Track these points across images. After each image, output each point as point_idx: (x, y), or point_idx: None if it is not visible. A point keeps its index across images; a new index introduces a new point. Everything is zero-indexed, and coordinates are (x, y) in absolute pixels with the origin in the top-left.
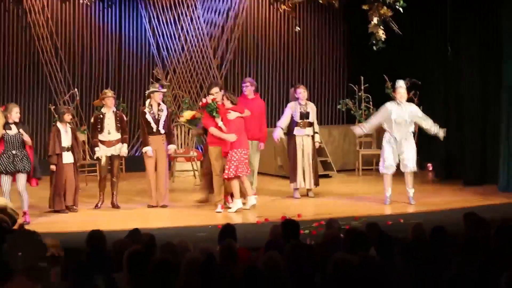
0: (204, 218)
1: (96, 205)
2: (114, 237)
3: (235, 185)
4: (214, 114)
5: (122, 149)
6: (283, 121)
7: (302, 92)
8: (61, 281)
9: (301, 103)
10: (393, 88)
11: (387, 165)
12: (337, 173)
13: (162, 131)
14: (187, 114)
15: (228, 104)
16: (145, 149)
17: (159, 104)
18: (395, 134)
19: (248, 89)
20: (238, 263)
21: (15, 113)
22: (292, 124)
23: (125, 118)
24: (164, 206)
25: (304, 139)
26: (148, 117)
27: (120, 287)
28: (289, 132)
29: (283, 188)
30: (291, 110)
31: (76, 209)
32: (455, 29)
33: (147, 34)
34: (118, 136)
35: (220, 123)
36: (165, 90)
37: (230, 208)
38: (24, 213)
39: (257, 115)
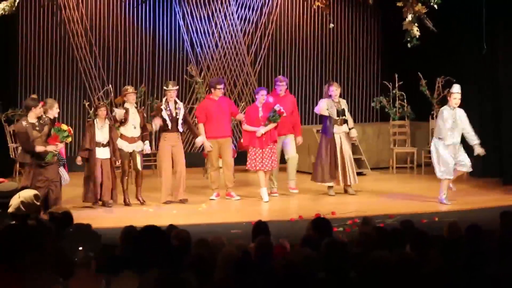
0: (237, 215)
1: (125, 201)
2: None
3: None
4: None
5: (145, 147)
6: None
7: (335, 90)
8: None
9: (334, 100)
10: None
11: (448, 170)
12: (371, 171)
13: (181, 129)
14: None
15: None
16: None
17: (176, 102)
18: (450, 139)
19: (284, 88)
20: (273, 260)
21: (55, 109)
22: (330, 122)
23: (144, 115)
24: (183, 201)
25: (342, 136)
26: (164, 114)
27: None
28: (325, 130)
29: (316, 185)
30: (327, 106)
31: (111, 205)
32: (491, 25)
33: (181, 31)
34: (139, 133)
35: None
36: (176, 87)
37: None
38: None
39: (289, 111)
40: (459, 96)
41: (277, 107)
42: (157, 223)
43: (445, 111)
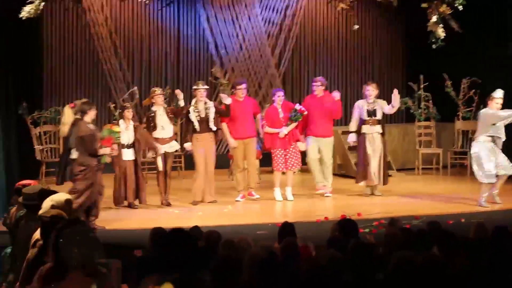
0: (263, 216)
1: (162, 202)
2: None
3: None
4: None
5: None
6: (354, 125)
7: (370, 90)
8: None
9: (368, 101)
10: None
11: (489, 174)
12: (397, 172)
13: (214, 128)
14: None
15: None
16: (185, 144)
17: (205, 102)
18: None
19: (319, 88)
20: (300, 261)
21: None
22: (360, 122)
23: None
24: (214, 202)
25: (375, 137)
26: (192, 116)
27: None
28: (357, 131)
29: (342, 186)
30: (359, 109)
31: (136, 206)
32: None
33: (205, 33)
34: (171, 133)
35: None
36: (206, 87)
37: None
38: None
39: (327, 112)
40: (501, 101)
41: (297, 106)
42: (182, 224)
43: (490, 111)
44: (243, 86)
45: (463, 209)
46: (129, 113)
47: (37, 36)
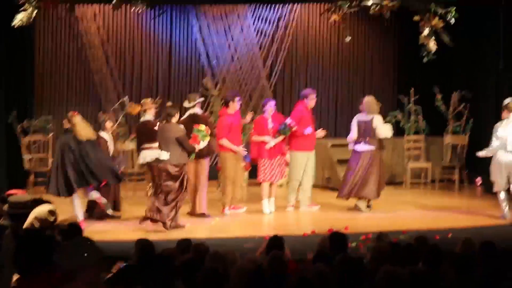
0: (250, 229)
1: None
2: (159, 247)
3: (265, 187)
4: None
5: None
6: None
7: None
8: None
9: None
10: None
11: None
12: (385, 186)
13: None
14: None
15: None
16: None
17: None
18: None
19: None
20: (287, 275)
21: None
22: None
23: None
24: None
25: None
26: None
27: None
28: (382, 146)
29: (330, 200)
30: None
31: (118, 216)
32: (508, 40)
33: (197, 43)
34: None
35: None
36: (202, 99)
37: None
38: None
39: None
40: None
41: (288, 121)
42: (169, 236)
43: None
44: (240, 98)
45: (451, 224)
46: (109, 124)
47: (29, 45)
